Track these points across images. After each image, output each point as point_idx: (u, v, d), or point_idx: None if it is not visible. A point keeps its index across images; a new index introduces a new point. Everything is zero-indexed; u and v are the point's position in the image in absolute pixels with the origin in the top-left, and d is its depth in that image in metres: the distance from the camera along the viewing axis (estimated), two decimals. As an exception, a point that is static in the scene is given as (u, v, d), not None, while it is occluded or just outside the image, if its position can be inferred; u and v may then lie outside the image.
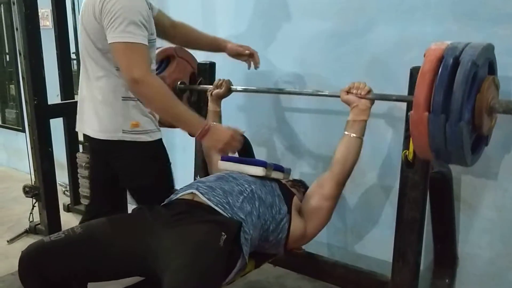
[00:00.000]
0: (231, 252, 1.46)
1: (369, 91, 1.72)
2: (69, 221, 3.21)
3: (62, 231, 1.48)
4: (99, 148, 1.83)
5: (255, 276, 2.44)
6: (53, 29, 3.09)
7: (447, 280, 2.04)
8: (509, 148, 1.89)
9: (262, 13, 2.48)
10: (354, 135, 1.74)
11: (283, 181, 1.90)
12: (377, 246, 2.33)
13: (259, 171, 1.78)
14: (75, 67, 3.52)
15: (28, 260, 1.41)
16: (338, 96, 1.79)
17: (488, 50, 1.48)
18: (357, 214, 2.38)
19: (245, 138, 2.46)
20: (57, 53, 3.09)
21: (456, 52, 1.39)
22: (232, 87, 2.11)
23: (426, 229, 1.81)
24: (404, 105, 1.70)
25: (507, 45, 1.82)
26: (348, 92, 1.75)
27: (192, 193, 1.61)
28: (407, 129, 1.68)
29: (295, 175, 2.28)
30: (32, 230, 3.02)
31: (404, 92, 1.69)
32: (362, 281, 1.98)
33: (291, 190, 1.86)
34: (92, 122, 1.77)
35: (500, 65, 1.84)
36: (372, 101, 1.74)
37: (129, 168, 1.79)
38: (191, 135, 1.71)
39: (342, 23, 2.23)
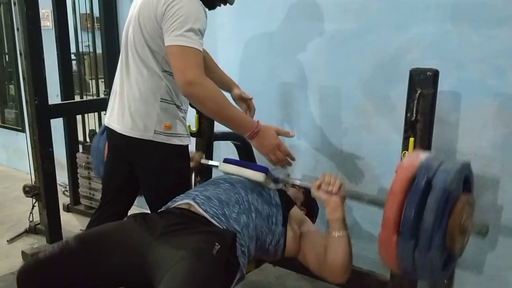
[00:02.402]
0: (228, 264, 1.46)
1: (340, 187, 1.61)
2: (68, 221, 3.23)
3: (57, 245, 1.48)
4: (124, 145, 1.82)
5: (256, 276, 2.45)
6: (53, 30, 3.10)
7: (446, 281, 2.05)
8: (508, 149, 1.90)
9: (263, 15, 2.49)
10: (337, 233, 1.60)
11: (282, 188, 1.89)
12: (376, 246, 2.33)
13: (259, 177, 1.72)
14: (75, 67, 3.53)
15: (25, 278, 1.42)
16: (309, 188, 1.68)
17: (463, 170, 1.41)
18: (356, 214, 2.39)
19: (244, 138, 2.48)
20: (57, 54, 3.10)
21: (429, 173, 1.32)
22: (203, 160, 2.07)
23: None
24: (404, 105, 1.71)
25: (508, 47, 1.83)
26: (318, 188, 1.63)
27: (188, 203, 1.60)
28: (406, 130, 1.69)
29: (297, 173, 2.29)
30: (32, 230, 3.02)
31: (404, 93, 1.69)
32: (362, 281, 1.99)
33: (291, 198, 1.86)
34: (124, 118, 1.77)
35: (500, 68, 1.85)
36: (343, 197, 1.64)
37: (155, 166, 1.79)
38: (243, 135, 1.73)
39: (344, 24, 2.24)
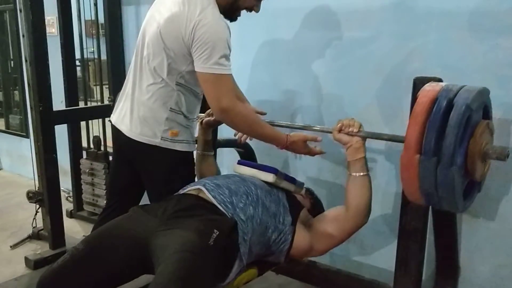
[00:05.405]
0: (226, 251, 1.49)
1: (360, 127, 1.71)
2: (71, 227, 3.23)
3: (66, 253, 1.52)
4: (130, 149, 1.85)
5: (258, 285, 2.43)
6: (58, 36, 3.12)
7: (449, 289, 2.04)
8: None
9: (265, 23, 2.49)
10: (359, 173, 1.71)
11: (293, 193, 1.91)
12: (379, 255, 2.33)
13: (269, 177, 1.82)
14: (79, 74, 3.55)
15: None
16: (330, 132, 1.78)
17: (483, 94, 1.45)
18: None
19: (248, 145, 2.48)
20: (62, 60, 3.11)
21: (450, 94, 1.36)
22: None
23: (428, 239, 1.81)
24: (407, 113, 1.71)
25: (510, 57, 1.83)
26: (339, 131, 1.73)
27: (198, 188, 1.66)
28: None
29: (300, 178, 2.28)
30: (35, 235, 3.02)
31: (407, 101, 1.70)
32: (365, 290, 1.99)
33: (300, 202, 1.88)
34: (132, 122, 1.81)
35: (504, 77, 1.85)
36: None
37: (161, 172, 1.84)
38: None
39: (347, 33, 2.25)
